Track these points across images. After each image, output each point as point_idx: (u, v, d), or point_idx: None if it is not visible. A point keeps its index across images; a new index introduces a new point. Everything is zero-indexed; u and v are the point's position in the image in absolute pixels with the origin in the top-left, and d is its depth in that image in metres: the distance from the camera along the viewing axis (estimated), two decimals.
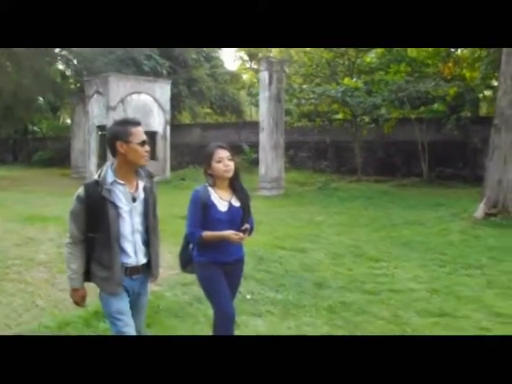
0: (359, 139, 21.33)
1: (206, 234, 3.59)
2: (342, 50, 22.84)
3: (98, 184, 3.15)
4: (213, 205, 3.66)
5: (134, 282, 3.34)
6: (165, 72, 26.74)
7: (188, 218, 3.74)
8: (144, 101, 21.80)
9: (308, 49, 23.43)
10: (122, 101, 21.10)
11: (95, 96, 22.21)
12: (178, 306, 5.61)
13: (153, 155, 21.09)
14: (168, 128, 23.26)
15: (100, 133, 22.43)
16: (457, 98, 20.76)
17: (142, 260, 3.34)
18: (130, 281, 3.30)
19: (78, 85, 28.06)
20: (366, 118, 20.36)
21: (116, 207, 3.17)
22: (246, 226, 3.66)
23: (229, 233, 3.54)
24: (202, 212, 3.65)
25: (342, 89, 17.62)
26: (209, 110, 35.66)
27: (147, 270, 3.41)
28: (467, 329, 5.05)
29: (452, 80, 20.81)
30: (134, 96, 21.61)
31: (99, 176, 3.20)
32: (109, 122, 19.81)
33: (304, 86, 19.76)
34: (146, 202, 3.31)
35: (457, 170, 21.09)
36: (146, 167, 3.34)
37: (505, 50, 11.58)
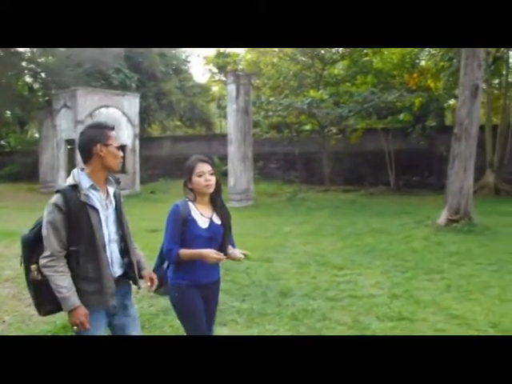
0: (327, 150, 21.65)
1: (184, 251, 3.37)
2: (309, 62, 23.22)
3: (74, 189, 2.94)
4: (193, 221, 3.45)
5: (114, 296, 3.07)
6: (134, 85, 26.68)
7: (166, 233, 3.49)
8: (113, 114, 21.76)
9: (276, 61, 23.76)
10: (91, 114, 21.05)
11: (63, 110, 22.12)
12: (144, 318, 5.65)
13: (122, 168, 21.04)
14: (137, 141, 23.27)
15: (69, 147, 22.31)
16: (422, 107, 21.27)
17: (118, 271, 3.13)
18: None
19: (46, 98, 27.82)
20: (334, 129, 20.69)
21: (97, 212, 2.98)
22: (232, 251, 3.56)
23: (208, 251, 3.32)
24: (181, 228, 3.43)
25: (308, 100, 17.91)
26: (178, 123, 35.67)
27: (127, 280, 3.22)
28: (424, 331, 5.24)
29: (417, 90, 21.30)
30: (103, 110, 21.59)
31: (74, 180, 2.98)
32: (77, 136, 19.73)
33: (271, 99, 19.99)
34: (118, 209, 3.16)
35: (423, 178, 21.55)
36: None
37: (463, 61, 11.96)
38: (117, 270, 3.12)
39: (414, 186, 21.31)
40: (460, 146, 11.68)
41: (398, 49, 21.23)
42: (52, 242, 2.87)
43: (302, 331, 5.29)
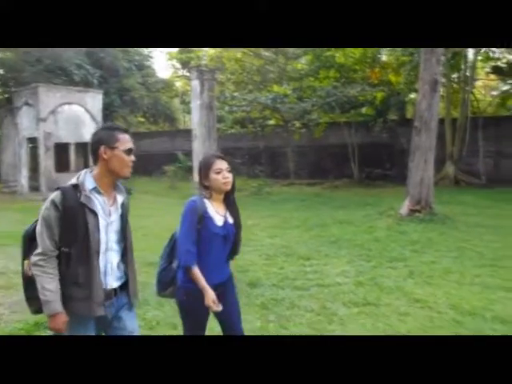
0: (291, 144, 21.88)
1: (196, 273, 3.21)
2: (273, 57, 23.39)
3: (76, 188, 2.81)
4: (210, 218, 3.32)
5: (107, 309, 2.91)
6: (96, 81, 26.36)
7: (183, 231, 3.31)
8: (75, 111, 21.48)
9: (239, 56, 23.85)
10: (53, 112, 20.73)
11: (24, 107, 21.73)
12: None
13: (86, 166, 20.78)
14: None
15: (31, 145, 22.01)
16: (384, 101, 21.71)
17: (113, 284, 2.95)
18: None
19: (6, 96, 27.30)
20: (297, 123, 20.93)
21: (96, 216, 2.82)
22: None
23: (211, 295, 3.15)
24: (197, 226, 3.28)
25: (272, 96, 18.07)
26: (142, 119, 35.46)
27: (123, 294, 3.03)
28: (388, 315, 5.49)
29: (379, 85, 21.70)
30: (65, 107, 21.27)
31: (77, 180, 2.86)
32: (39, 134, 19.50)
33: (235, 94, 20.10)
34: (122, 218, 3.00)
35: (385, 170, 21.97)
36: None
37: (422, 57, 12.31)
38: (111, 282, 2.94)
39: (377, 178, 21.74)
40: (420, 139, 12.03)
41: None
42: (44, 240, 2.75)
43: (272, 319, 5.46)
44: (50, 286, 2.71)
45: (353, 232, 10.46)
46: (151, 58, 35.34)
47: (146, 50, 34.23)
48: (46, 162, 19.11)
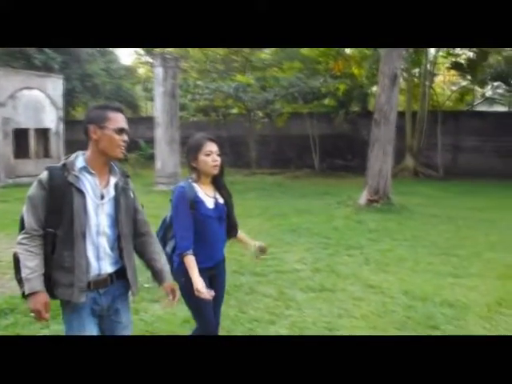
0: (254, 133, 22.00)
1: (189, 263, 3.16)
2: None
3: (64, 168, 2.68)
4: (201, 201, 3.30)
5: (103, 297, 2.78)
6: (57, 67, 25.90)
7: (178, 218, 3.29)
8: (36, 97, 21.09)
9: None
10: (12, 97, 20.32)
11: None
12: None
13: (46, 153, 20.59)
14: (61, 125, 22.68)
15: None
16: (346, 93, 22.03)
17: (108, 269, 2.78)
18: (95, 295, 2.75)
19: None
20: (260, 113, 21.06)
21: (83, 196, 2.67)
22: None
23: (202, 286, 3.05)
24: (190, 211, 3.25)
25: (235, 85, 18.14)
26: None
27: (120, 281, 2.86)
28: (343, 300, 5.69)
29: (342, 77, 22.01)
30: (25, 92, 20.84)
31: (66, 160, 2.75)
32: None
33: (198, 82, 20.09)
34: (116, 201, 2.81)
35: (346, 161, 22.38)
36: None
37: (383, 51, 12.58)
38: (106, 267, 2.77)
39: (338, 168, 22.13)
40: (379, 131, 12.33)
41: None
42: (29, 219, 2.65)
43: (232, 304, 5.58)
44: (30, 263, 2.59)
45: (312, 221, 10.66)
46: None
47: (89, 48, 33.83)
48: (5, 148, 18.71)
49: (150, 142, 21.74)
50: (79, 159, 2.75)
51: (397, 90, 12.47)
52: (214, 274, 3.44)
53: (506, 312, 5.40)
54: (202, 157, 3.31)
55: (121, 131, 2.75)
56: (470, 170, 21.83)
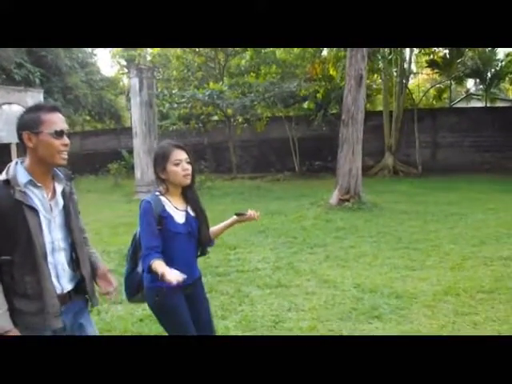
0: (234, 139, 22.29)
1: (155, 263, 2.81)
2: (213, 54, 23.72)
3: (8, 184, 2.37)
4: (169, 216, 3.01)
5: (65, 315, 2.52)
6: (37, 80, 26.09)
7: (143, 236, 3.01)
8: (16, 112, 21.15)
9: (179, 53, 24.04)
10: None
11: None
12: None
13: None
14: None
15: None
16: (324, 95, 22.35)
17: (67, 286, 2.57)
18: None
19: None
20: (240, 118, 21.32)
21: (36, 214, 2.40)
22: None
23: (168, 271, 2.68)
24: (157, 226, 2.97)
25: (208, 92, 18.40)
26: (88, 117, 35.23)
27: (79, 296, 2.66)
28: (296, 294, 5.96)
29: (321, 79, 22.34)
30: (5, 107, 21.05)
31: (7, 174, 2.42)
32: None
33: (174, 91, 20.36)
34: (66, 210, 2.57)
35: (326, 162, 22.64)
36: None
37: (348, 53, 12.89)
38: (66, 285, 2.57)
39: (318, 170, 22.43)
40: (347, 131, 12.62)
41: None
42: None
43: None
44: None
45: (282, 222, 10.94)
46: (95, 55, 35.24)
47: (88, 48, 34.05)
48: None
49: (132, 152, 21.99)
50: (21, 172, 2.45)
51: (363, 90, 12.73)
52: (192, 293, 3.18)
53: (449, 300, 5.66)
54: (170, 167, 3.04)
55: (59, 134, 2.44)
56: (449, 166, 22.18)
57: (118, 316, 5.47)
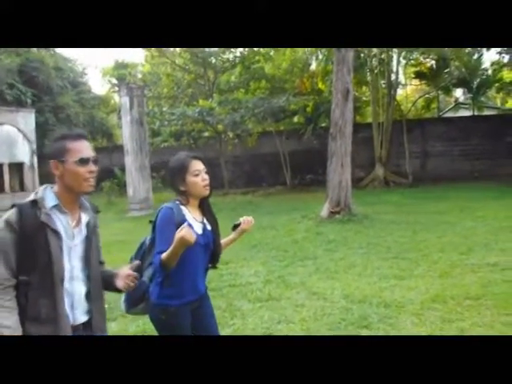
0: (225, 154, 22.44)
1: (164, 254, 2.77)
2: (202, 71, 23.93)
3: (35, 205, 2.37)
4: (189, 226, 2.83)
5: None
6: (29, 101, 26.23)
7: (160, 239, 2.90)
8: (7, 132, 21.36)
9: (170, 71, 24.26)
10: None
11: None
12: None
13: (22, 186, 20.83)
14: (35, 158, 22.97)
15: None
16: (313, 110, 22.58)
17: (81, 318, 2.50)
18: None
19: None
20: (231, 134, 21.50)
21: (59, 238, 2.38)
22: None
23: (186, 231, 2.65)
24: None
25: (198, 109, 18.58)
26: None
27: (88, 331, 2.53)
28: (286, 307, 6.06)
29: (310, 93, 22.56)
30: None
31: (35, 195, 2.44)
32: None
33: (164, 109, 20.56)
34: (88, 241, 2.54)
35: (317, 175, 22.81)
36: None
37: (335, 67, 13.10)
38: (79, 316, 2.50)
39: (309, 183, 22.60)
40: (336, 144, 12.80)
41: (288, 54, 22.39)
42: None
43: None
44: (7, 321, 2.24)
45: (273, 236, 11.06)
46: (85, 74, 35.41)
47: (80, 67, 34.28)
48: None
49: (125, 169, 22.11)
50: (49, 195, 2.45)
51: (350, 104, 12.91)
52: (199, 307, 3.12)
53: (437, 307, 5.78)
54: (190, 178, 3.02)
55: (84, 162, 2.46)
56: (439, 175, 22.42)
57: (111, 333, 5.55)
